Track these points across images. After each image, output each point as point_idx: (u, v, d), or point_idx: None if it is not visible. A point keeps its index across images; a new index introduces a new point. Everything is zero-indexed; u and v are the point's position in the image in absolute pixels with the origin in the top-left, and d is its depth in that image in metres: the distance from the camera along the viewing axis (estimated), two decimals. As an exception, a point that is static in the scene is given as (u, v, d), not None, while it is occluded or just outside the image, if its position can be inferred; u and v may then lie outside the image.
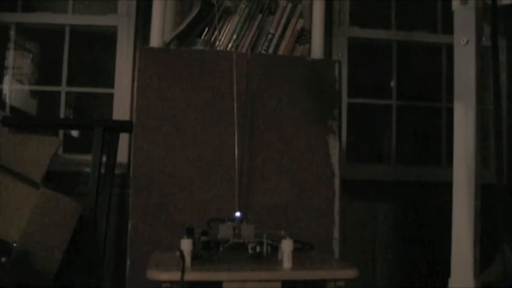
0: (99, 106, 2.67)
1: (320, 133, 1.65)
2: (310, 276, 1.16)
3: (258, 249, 1.22)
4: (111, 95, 2.46)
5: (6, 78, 2.52)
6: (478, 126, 1.19)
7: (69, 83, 2.52)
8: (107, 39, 2.52)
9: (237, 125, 1.53)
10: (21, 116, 2.48)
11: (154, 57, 1.59)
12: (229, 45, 1.74)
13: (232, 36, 1.75)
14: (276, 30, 1.78)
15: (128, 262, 1.49)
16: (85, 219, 1.88)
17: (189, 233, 1.17)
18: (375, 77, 2.85)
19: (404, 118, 2.80)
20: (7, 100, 2.49)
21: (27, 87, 2.65)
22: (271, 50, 1.77)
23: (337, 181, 1.63)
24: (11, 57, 2.54)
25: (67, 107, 2.55)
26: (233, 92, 1.54)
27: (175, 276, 1.04)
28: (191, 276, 1.06)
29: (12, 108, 2.49)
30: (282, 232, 1.19)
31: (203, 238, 1.22)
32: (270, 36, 1.78)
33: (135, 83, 1.60)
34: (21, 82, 2.62)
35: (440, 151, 2.77)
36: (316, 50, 1.75)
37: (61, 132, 2.45)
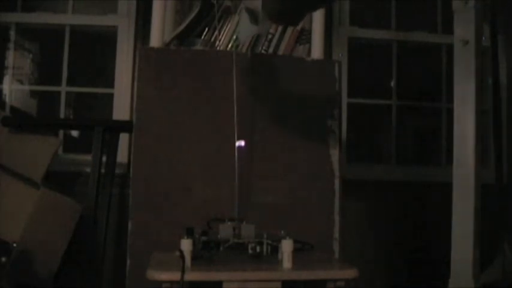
0: (99, 106, 2.68)
1: (320, 133, 1.65)
2: (310, 276, 1.16)
3: (258, 249, 1.22)
4: (111, 95, 2.46)
5: (6, 78, 2.52)
6: (478, 126, 1.19)
7: (69, 83, 2.52)
8: (107, 39, 2.52)
9: (237, 125, 1.53)
10: (21, 116, 2.48)
11: (154, 57, 1.59)
12: (229, 45, 1.74)
13: (232, 36, 1.75)
14: (276, 30, 1.78)
15: (128, 262, 1.48)
16: (85, 219, 1.88)
17: (189, 233, 1.17)
18: (375, 77, 2.85)
19: (404, 118, 2.80)
20: (7, 100, 2.50)
21: (27, 87, 2.65)
22: (271, 50, 1.77)
23: (337, 181, 1.63)
24: (11, 57, 2.54)
25: (67, 107, 2.55)
26: (233, 92, 1.54)
27: (175, 276, 1.04)
28: (191, 276, 1.06)
29: (12, 108, 2.49)
30: (282, 232, 1.19)
31: (203, 238, 1.22)
32: (270, 36, 1.78)
33: (135, 83, 1.60)
34: (21, 82, 2.62)
35: (440, 151, 2.78)
36: (316, 50, 1.75)
37: (61, 132, 2.45)
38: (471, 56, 1.19)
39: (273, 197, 1.59)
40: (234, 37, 1.74)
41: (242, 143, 1.29)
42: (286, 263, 1.14)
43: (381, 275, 2.51)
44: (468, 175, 1.18)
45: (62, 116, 2.50)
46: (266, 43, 1.78)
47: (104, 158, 2.02)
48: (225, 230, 1.24)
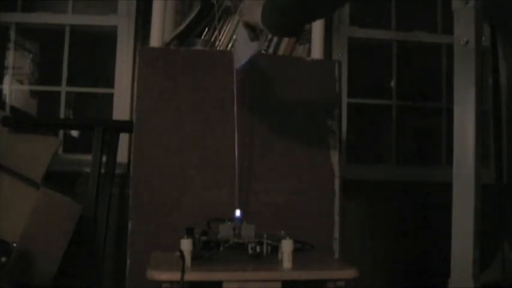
0: (99, 106, 2.68)
1: (320, 133, 1.65)
2: (310, 276, 1.16)
3: (258, 249, 1.22)
4: (111, 95, 2.46)
5: (6, 78, 2.52)
6: (478, 126, 1.19)
7: (69, 83, 2.52)
8: (107, 39, 2.52)
9: (237, 125, 1.53)
10: (21, 116, 2.48)
11: (154, 57, 1.59)
12: (229, 45, 1.74)
13: (232, 36, 1.75)
14: (276, 30, 1.78)
15: (128, 262, 1.48)
16: (85, 219, 1.88)
17: (189, 233, 1.17)
18: (375, 77, 2.85)
19: (404, 118, 2.80)
20: (7, 100, 2.49)
21: (27, 87, 2.65)
22: (271, 50, 1.77)
23: (337, 181, 1.63)
24: (11, 57, 2.54)
25: (67, 107, 2.55)
26: (233, 92, 1.54)
27: (175, 276, 1.04)
28: (191, 276, 1.06)
29: (12, 108, 2.49)
30: (282, 232, 1.19)
31: (203, 238, 1.22)
32: (270, 36, 1.78)
33: (135, 83, 1.60)
34: (21, 82, 2.62)
35: (440, 151, 2.77)
36: (316, 50, 1.75)
37: (61, 132, 2.45)
38: (471, 56, 1.19)
39: (273, 197, 1.59)
40: (234, 37, 1.74)
41: (238, 212, 1.30)
42: (286, 263, 1.14)
43: (381, 275, 2.51)
44: (468, 175, 1.18)
45: (62, 116, 2.49)
46: (266, 43, 1.78)
47: (104, 158, 2.02)
48: (225, 230, 1.25)
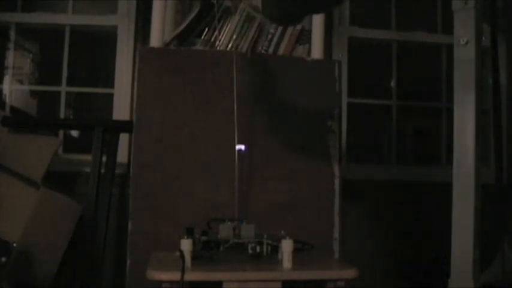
0: (99, 106, 2.68)
1: (320, 133, 1.65)
2: (310, 276, 1.16)
3: (258, 249, 1.22)
4: (111, 95, 2.46)
5: (6, 78, 2.52)
6: (478, 126, 1.19)
7: (69, 83, 2.52)
8: (107, 39, 2.52)
9: (237, 125, 1.53)
10: (21, 116, 2.48)
11: (154, 57, 1.59)
12: (229, 45, 1.74)
13: (232, 36, 1.75)
14: (276, 30, 1.78)
15: (128, 262, 1.49)
16: (85, 219, 1.88)
17: (189, 233, 1.17)
18: (375, 77, 2.85)
19: (404, 118, 2.80)
20: (7, 100, 2.49)
21: (27, 87, 2.65)
22: (271, 50, 1.77)
23: (337, 181, 1.63)
24: (11, 57, 2.54)
25: (67, 107, 2.55)
26: (233, 92, 1.54)
27: (175, 276, 1.04)
28: (191, 276, 1.06)
29: (12, 108, 2.49)
30: (282, 232, 1.19)
31: (203, 238, 1.22)
32: (270, 36, 1.78)
33: (135, 83, 1.60)
34: (21, 82, 2.62)
35: (440, 151, 2.77)
36: (316, 50, 1.75)
37: (61, 132, 2.45)
38: (471, 56, 1.19)
39: (273, 197, 1.59)
40: (234, 37, 1.74)
41: (242, 147, 1.29)
42: (286, 263, 1.14)
43: (381, 275, 2.51)
44: (468, 175, 1.18)
45: (62, 116, 2.49)
46: (266, 43, 1.78)
47: (104, 158, 2.02)
48: (225, 230, 1.25)
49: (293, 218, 1.59)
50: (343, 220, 1.62)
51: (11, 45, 2.53)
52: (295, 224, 1.57)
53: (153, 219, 1.50)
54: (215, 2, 1.72)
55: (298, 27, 1.79)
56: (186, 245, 1.11)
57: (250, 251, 1.22)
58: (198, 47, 1.73)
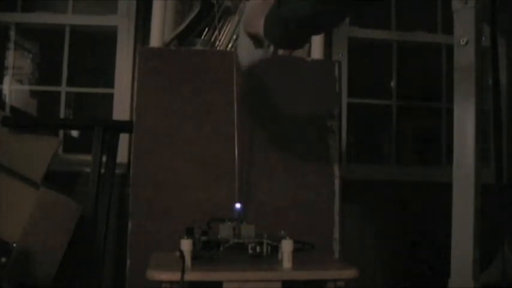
0: (99, 106, 2.68)
1: (320, 133, 1.65)
2: (310, 276, 1.16)
3: (258, 249, 1.22)
4: (111, 95, 2.46)
5: (6, 78, 2.52)
6: (478, 126, 1.19)
7: (69, 83, 2.52)
8: (107, 39, 2.52)
9: (237, 125, 1.53)
10: (21, 116, 2.48)
11: (154, 57, 1.59)
12: (229, 45, 1.74)
13: (232, 36, 1.75)
14: (276, 30, 1.78)
15: (128, 262, 1.48)
16: (85, 219, 1.88)
17: (189, 233, 1.17)
18: (375, 77, 2.85)
19: (404, 118, 2.80)
20: (7, 100, 2.50)
21: (27, 87, 2.65)
22: (271, 50, 1.77)
23: (337, 181, 1.63)
24: (11, 57, 2.54)
25: (67, 107, 2.55)
26: (233, 92, 1.54)
27: (175, 276, 1.04)
28: (191, 276, 1.06)
29: (12, 108, 2.49)
30: (282, 232, 1.19)
31: (203, 238, 1.22)
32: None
33: (135, 83, 1.60)
34: (21, 82, 2.63)
35: (440, 151, 2.78)
36: (316, 50, 1.75)
37: (61, 132, 2.45)
38: (471, 56, 1.19)
39: (273, 197, 1.58)
40: (234, 37, 1.74)
41: (238, 205, 1.30)
42: (286, 263, 1.14)
43: (381, 275, 2.51)
44: (468, 175, 1.18)
45: (62, 116, 2.50)
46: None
47: (104, 158, 2.02)
48: (225, 230, 1.24)
49: (293, 218, 1.58)
50: (343, 220, 1.62)
51: (11, 45, 2.53)
52: (295, 224, 1.57)
53: (153, 219, 1.50)
54: (215, 2, 1.72)
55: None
56: (186, 245, 1.11)
57: (250, 251, 1.22)
58: (198, 47, 1.73)
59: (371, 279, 2.49)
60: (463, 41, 1.20)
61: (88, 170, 1.98)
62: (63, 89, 2.51)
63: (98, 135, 1.95)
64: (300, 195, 1.60)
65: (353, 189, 1.96)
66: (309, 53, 1.79)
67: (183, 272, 1.04)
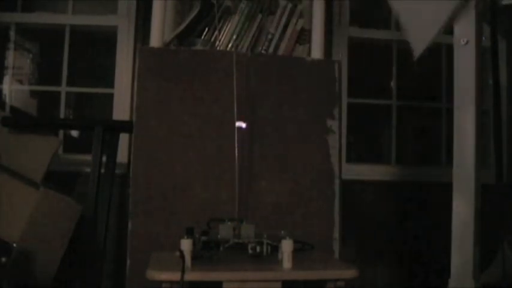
0: (99, 106, 2.68)
1: (320, 133, 1.65)
2: (310, 276, 1.16)
3: (258, 249, 1.22)
4: (111, 95, 2.46)
5: (6, 78, 2.52)
6: (478, 126, 1.19)
7: (69, 83, 2.52)
8: (107, 39, 2.52)
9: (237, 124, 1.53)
10: (21, 116, 2.48)
11: (154, 57, 1.59)
12: (229, 45, 1.74)
13: (232, 36, 1.75)
14: (276, 30, 1.78)
15: (128, 262, 1.49)
16: (85, 219, 1.88)
17: (189, 233, 1.17)
18: (375, 77, 2.85)
19: (404, 118, 2.80)
20: (7, 100, 2.49)
21: (27, 87, 2.65)
22: (271, 50, 1.77)
23: (337, 181, 1.63)
24: (11, 57, 2.54)
25: (67, 107, 2.55)
26: (233, 92, 1.54)
27: (175, 276, 1.04)
28: (191, 276, 1.06)
29: (12, 108, 2.49)
30: (282, 232, 1.19)
31: (203, 238, 1.22)
32: (270, 36, 1.78)
33: (135, 83, 1.60)
34: (21, 82, 2.63)
35: (440, 151, 2.77)
36: (316, 50, 1.75)
37: (61, 132, 2.45)
38: (471, 56, 1.19)
39: (273, 197, 1.59)
40: (234, 37, 1.75)
41: (243, 124, 1.29)
42: (286, 263, 1.14)
43: (381, 275, 2.51)
44: (468, 175, 1.18)
45: (62, 116, 2.49)
46: (266, 43, 1.78)
47: (104, 158, 2.02)
48: (225, 230, 1.24)
49: (293, 218, 1.59)
50: (343, 220, 1.62)
51: (11, 45, 2.53)
52: (295, 224, 1.57)
53: (153, 219, 1.50)
54: (215, 2, 1.72)
55: (298, 27, 1.80)
56: (186, 245, 1.11)
57: (250, 251, 1.22)
58: (198, 47, 1.73)
59: (371, 279, 2.49)
60: (463, 41, 1.20)
61: (88, 170, 1.98)
62: (63, 89, 2.51)
63: (98, 135, 1.95)
64: (300, 195, 1.60)
65: (353, 189, 1.97)
66: (309, 53, 1.79)
67: (183, 272, 1.04)
